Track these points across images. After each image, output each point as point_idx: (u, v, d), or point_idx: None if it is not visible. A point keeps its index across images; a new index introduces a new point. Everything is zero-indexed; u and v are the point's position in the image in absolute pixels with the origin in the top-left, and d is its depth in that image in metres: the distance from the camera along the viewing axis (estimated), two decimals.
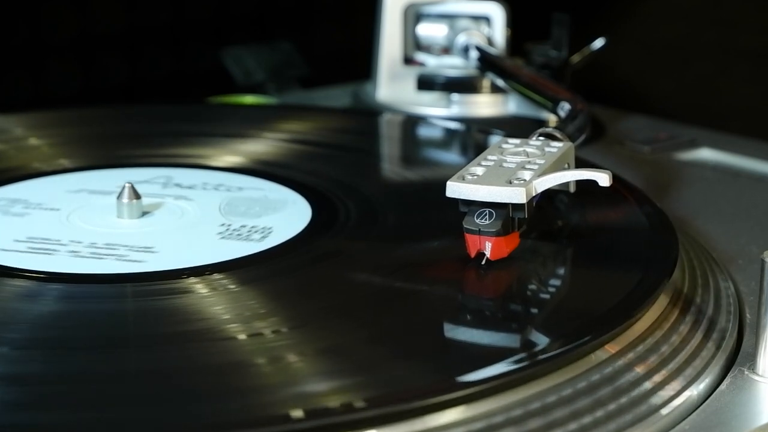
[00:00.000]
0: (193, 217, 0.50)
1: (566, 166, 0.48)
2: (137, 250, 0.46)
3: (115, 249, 0.46)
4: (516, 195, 0.43)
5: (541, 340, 0.39)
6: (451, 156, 0.63)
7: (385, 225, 0.49)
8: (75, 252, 0.46)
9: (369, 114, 0.72)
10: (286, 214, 0.50)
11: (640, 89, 0.92)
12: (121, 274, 0.44)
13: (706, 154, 0.66)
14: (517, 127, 0.63)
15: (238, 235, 0.47)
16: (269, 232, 0.47)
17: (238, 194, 0.52)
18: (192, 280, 0.43)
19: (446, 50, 0.73)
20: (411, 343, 0.38)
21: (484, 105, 0.71)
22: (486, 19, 0.72)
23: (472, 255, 0.43)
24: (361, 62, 0.79)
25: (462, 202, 0.44)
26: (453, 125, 0.65)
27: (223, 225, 0.48)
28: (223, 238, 0.47)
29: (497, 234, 0.43)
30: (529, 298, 0.43)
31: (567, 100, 0.59)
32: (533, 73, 0.67)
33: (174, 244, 0.47)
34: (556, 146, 0.48)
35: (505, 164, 0.45)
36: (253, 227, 0.48)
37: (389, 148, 0.66)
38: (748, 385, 0.40)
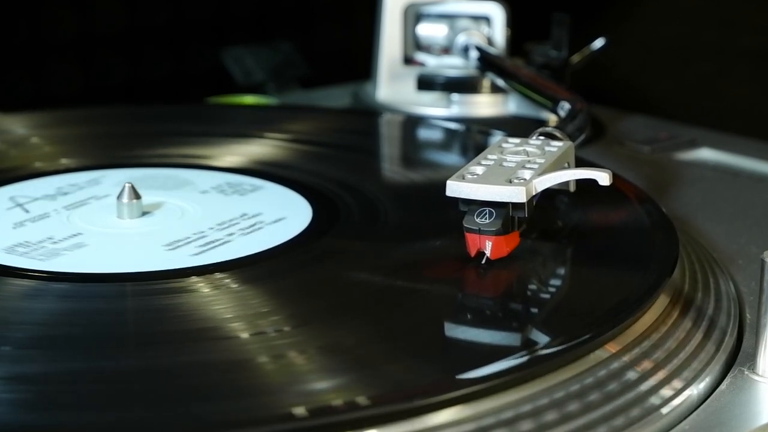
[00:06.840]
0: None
1: (566, 165, 0.48)
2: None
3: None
4: (516, 194, 0.43)
5: (542, 339, 0.39)
6: (452, 156, 0.63)
7: (386, 224, 0.49)
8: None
9: (369, 114, 0.71)
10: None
11: (640, 89, 0.92)
12: (122, 273, 0.44)
13: (706, 154, 0.66)
14: (517, 127, 0.63)
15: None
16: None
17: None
18: (194, 279, 0.43)
19: (446, 50, 0.73)
20: (413, 341, 0.38)
21: (484, 105, 0.71)
22: (486, 19, 0.72)
23: (473, 254, 0.43)
24: (361, 62, 0.79)
25: (462, 201, 0.44)
26: (453, 125, 0.65)
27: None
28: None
29: (497, 233, 0.43)
30: (529, 298, 0.43)
31: (567, 100, 0.59)
32: (533, 73, 0.67)
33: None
34: (556, 145, 0.48)
35: (505, 163, 0.45)
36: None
37: (389, 148, 0.66)
38: (748, 385, 0.40)
